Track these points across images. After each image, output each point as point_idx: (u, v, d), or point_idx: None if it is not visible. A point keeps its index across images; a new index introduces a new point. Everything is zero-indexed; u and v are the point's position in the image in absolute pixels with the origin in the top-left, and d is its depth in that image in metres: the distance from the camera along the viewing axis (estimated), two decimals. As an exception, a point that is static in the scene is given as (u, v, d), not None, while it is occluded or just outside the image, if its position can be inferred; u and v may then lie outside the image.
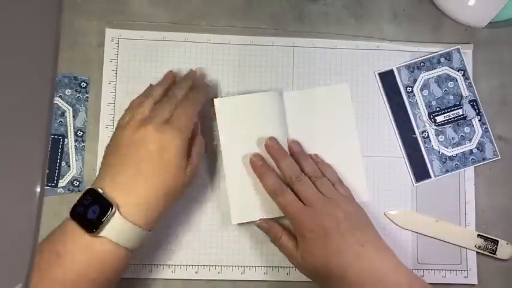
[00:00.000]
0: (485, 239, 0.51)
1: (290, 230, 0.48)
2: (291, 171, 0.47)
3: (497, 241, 0.51)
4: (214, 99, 0.50)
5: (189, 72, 0.51)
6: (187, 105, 0.45)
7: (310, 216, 0.44)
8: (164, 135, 0.42)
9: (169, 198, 0.42)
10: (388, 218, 0.51)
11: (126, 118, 0.44)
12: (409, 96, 0.53)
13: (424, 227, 0.52)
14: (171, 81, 0.49)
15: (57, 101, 0.51)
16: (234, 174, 0.50)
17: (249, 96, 0.51)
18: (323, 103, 0.53)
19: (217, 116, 0.50)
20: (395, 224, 0.51)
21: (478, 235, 0.51)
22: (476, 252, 0.52)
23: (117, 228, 0.39)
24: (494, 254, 0.51)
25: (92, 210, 0.39)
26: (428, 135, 0.53)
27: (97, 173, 0.50)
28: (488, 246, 0.51)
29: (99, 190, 0.40)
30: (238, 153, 0.50)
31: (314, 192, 0.46)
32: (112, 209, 0.39)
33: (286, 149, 0.50)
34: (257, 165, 0.48)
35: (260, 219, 0.49)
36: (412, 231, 0.52)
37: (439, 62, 0.54)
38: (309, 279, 0.49)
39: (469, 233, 0.52)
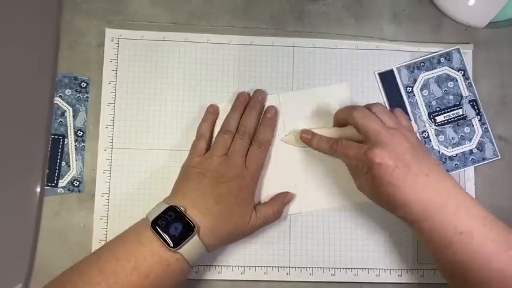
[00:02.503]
0: None
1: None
2: (348, 111, 0.47)
3: None
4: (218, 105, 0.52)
5: (256, 95, 0.52)
6: (261, 150, 0.49)
7: (375, 150, 0.42)
8: (246, 176, 0.46)
9: (238, 230, 0.46)
10: None
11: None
12: (409, 96, 0.53)
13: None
14: (244, 106, 0.51)
15: (57, 101, 0.51)
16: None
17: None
18: (322, 103, 0.53)
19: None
20: None
21: None
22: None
23: (193, 249, 0.42)
24: None
25: (174, 227, 0.42)
26: (428, 135, 0.53)
27: (97, 173, 0.51)
28: None
29: (182, 209, 0.43)
30: None
31: (380, 125, 0.44)
32: (195, 230, 0.42)
33: (286, 154, 0.52)
34: (308, 136, 0.50)
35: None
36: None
37: (439, 62, 0.54)
38: (307, 280, 0.50)
39: None
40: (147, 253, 0.41)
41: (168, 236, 0.42)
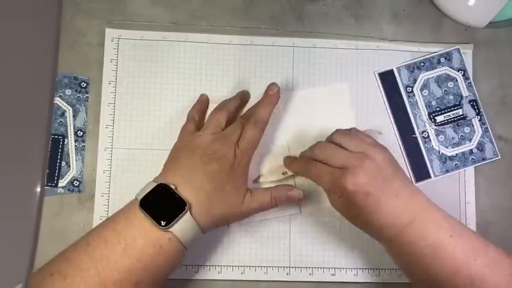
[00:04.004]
0: None
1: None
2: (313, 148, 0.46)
3: None
4: (211, 104, 0.52)
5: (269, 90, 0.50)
6: (257, 128, 0.47)
7: (348, 177, 0.41)
8: (238, 155, 0.45)
9: (231, 211, 0.44)
10: None
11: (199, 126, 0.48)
12: (409, 96, 0.53)
13: None
14: (242, 99, 0.51)
15: (57, 101, 0.51)
16: None
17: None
18: (322, 103, 0.53)
19: None
20: None
21: None
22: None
23: (186, 227, 0.41)
24: None
25: (164, 205, 0.40)
26: (428, 135, 0.53)
27: (97, 173, 0.51)
28: None
29: (172, 186, 0.41)
30: None
31: (345, 152, 0.43)
32: (186, 207, 0.41)
33: (286, 154, 0.52)
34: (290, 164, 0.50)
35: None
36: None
37: (439, 62, 0.54)
38: (307, 280, 0.50)
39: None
40: (138, 234, 0.40)
41: (159, 215, 0.40)
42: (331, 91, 0.53)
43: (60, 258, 0.40)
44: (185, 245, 0.42)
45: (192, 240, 0.42)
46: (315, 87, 0.53)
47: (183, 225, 0.41)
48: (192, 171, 0.43)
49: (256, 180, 0.51)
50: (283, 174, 0.50)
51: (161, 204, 0.41)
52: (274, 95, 0.49)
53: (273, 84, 0.49)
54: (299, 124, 0.52)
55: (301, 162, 0.47)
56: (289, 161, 0.50)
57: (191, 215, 0.41)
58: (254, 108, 0.49)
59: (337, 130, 0.46)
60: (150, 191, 0.41)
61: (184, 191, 0.42)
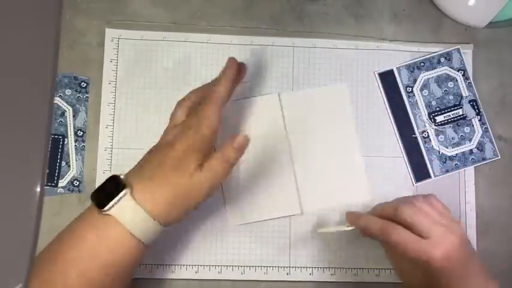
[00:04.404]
0: None
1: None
2: (396, 202, 0.46)
3: None
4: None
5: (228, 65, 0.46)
6: (210, 101, 0.43)
7: (438, 250, 0.41)
8: (188, 135, 0.41)
9: (177, 192, 0.40)
10: None
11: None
12: (409, 96, 0.53)
13: None
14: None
15: (57, 101, 0.51)
16: (230, 178, 0.51)
17: (244, 100, 0.52)
18: (321, 103, 0.53)
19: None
20: None
21: None
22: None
23: (128, 211, 0.38)
24: None
25: (107, 190, 0.39)
26: (428, 135, 0.53)
27: (97, 173, 0.51)
28: None
29: (121, 175, 0.40)
30: None
31: (429, 221, 0.43)
32: (125, 189, 0.38)
33: (287, 154, 0.51)
34: (356, 218, 0.47)
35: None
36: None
37: (439, 62, 0.54)
38: (307, 280, 0.50)
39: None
40: (83, 222, 0.39)
41: (99, 199, 0.39)
42: (330, 91, 0.53)
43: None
44: (135, 234, 0.38)
45: (144, 229, 0.39)
46: (315, 87, 0.53)
47: (123, 208, 0.38)
48: (144, 162, 0.42)
49: (315, 231, 0.51)
50: (348, 226, 0.48)
51: (108, 193, 0.39)
52: (230, 69, 0.45)
53: (230, 59, 0.46)
54: (298, 125, 0.52)
55: (378, 223, 0.44)
56: (354, 217, 0.47)
57: (133, 198, 0.38)
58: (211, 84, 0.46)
59: (417, 195, 0.46)
60: (102, 183, 0.40)
61: (130, 178, 0.40)
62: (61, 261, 0.38)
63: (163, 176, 0.40)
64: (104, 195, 0.39)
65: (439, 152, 0.53)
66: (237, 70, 0.45)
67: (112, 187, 0.39)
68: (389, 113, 0.53)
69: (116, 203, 0.38)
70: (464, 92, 0.53)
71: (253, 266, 0.51)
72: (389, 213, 0.44)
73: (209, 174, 0.41)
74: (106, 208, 0.38)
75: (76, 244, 0.39)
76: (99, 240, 0.38)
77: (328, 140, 0.52)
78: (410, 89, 0.53)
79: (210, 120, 0.41)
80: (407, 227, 0.42)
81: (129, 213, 0.38)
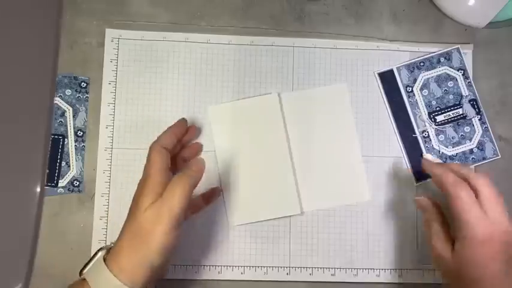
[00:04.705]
0: None
1: (441, 216, 0.45)
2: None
3: None
4: (209, 107, 0.52)
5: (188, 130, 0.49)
6: (153, 151, 0.43)
7: (490, 227, 0.41)
8: (156, 211, 0.39)
9: (140, 242, 0.39)
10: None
11: None
12: (409, 96, 0.53)
13: None
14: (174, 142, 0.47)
15: (57, 101, 0.51)
16: (230, 179, 0.51)
17: (244, 101, 0.52)
18: (321, 103, 0.53)
19: (211, 123, 0.52)
20: None
21: None
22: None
23: (97, 274, 0.39)
24: None
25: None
26: (428, 134, 0.53)
27: (97, 173, 0.51)
28: None
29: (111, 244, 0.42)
30: (234, 158, 0.51)
31: (496, 202, 0.42)
32: (98, 253, 0.40)
33: (286, 154, 0.51)
34: (432, 166, 0.47)
35: (420, 198, 0.47)
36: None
37: (438, 61, 0.54)
38: (307, 280, 0.49)
39: None
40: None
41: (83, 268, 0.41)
42: (328, 91, 0.53)
43: None
44: None
45: (102, 285, 0.38)
46: (315, 87, 0.53)
47: (93, 271, 0.40)
48: (122, 230, 0.42)
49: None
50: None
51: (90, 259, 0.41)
52: (177, 126, 0.48)
53: (180, 120, 0.49)
54: (297, 125, 0.52)
55: (453, 177, 0.44)
56: (430, 165, 0.47)
57: (104, 261, 0.39)
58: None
59: (482, 176, 0.44)
60: (93, 255, 0.42)
61: (113, 245, 0.41)
62: None
63: (124, 233, 0.40)
64: (87, 261, 0.41)
65: (439, 151, 0.53)
66: (183, 128, 0.48)
67: (95, 252, 0.41)
68: (390, 113, 0.53)
69: (90, 267, 0.40)
70: (464, 92, 0.53)
71: (253, 266, 0.51)
72: (465, 173, 0.44)
73: (161, 210, 0.39)
74: (83, 272, 0.40)
75: None
76: None
77: (329, 140, 0.52)
78: (410, 88, 0.53)
79: (156, 166, 0.42)
80: (451, 207, 0.42)
81: (97, 275, 0.39)
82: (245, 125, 0.52)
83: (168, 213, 0.39)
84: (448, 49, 0.54)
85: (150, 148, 0.44)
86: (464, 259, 0.41)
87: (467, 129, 0.53)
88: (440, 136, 0.53)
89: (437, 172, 0.45)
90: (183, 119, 0.49)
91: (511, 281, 0.40)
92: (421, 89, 0.53)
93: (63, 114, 0.51)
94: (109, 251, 0.40)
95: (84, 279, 0.39)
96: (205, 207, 0.50)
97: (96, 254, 0.41)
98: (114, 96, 0.52)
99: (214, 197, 0.51)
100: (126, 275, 0.38)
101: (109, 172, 0.51)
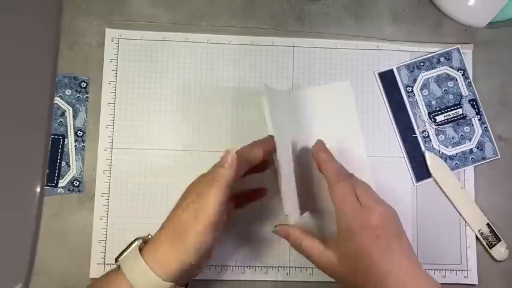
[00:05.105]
0: (491, 231, 0.51)
1: (309, 233, 0.45)
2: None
3: (500, 240, 0.51)
4: (262, 85, 0.48)
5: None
6: (213, 185, 0.41)
7: (364, 215, 0.41)
8: (193, 211, 0.40)
9: (178, 241, 0.40)
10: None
11: None
12: (409, 96, 0.53)
13: (449, 187, 0.52)
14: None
15: (57, 101, 0.51)
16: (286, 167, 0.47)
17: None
18: (325, 102, 0.52)
19: (264, 99, 0.49)
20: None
21: (488, 224, 0.52)
22: (476, 237, 0.52)
23: (132, 263, 0.40)
24: (490, 248, 0.51)
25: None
26: (428, 134, 0.53)
27: (97, 173, 0.51)
28: (489, 239, 0.51)
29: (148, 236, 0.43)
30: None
31: (371, 193, 0.43)
32: (134, 242, 0.41)
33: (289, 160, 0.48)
34: (320, 150, 0.46)
35: (279, 225, 0.46)
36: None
37: (438, 61, 0.54)
38: (307, 280, 0.49)
39: (481, 217, 0.52)
40: (103, 276, 0.42)
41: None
42: (332, 89, 0.53)
43: None
44: (130, 281, 0.39)
45: (138, 278, 0.39)
46: (316, 86, 0.53)
47: (129, 260, 0.40)
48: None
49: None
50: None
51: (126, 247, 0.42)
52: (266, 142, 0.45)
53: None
54: (300, 124, 0.52)
55: (340, 167, 0.45)
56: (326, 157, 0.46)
57: (139, 251, 0.40)
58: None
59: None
60: (129, 244, 0.42)
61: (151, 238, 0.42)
62: None
63: (165, 227, 0.41)
64: (123, 249, 0.42)
65: (439, 151, 0.53)
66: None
67: (131, 241, 0.42)
68: (390, 113, 0.53)
69: (126, 255, 0.41)
70: (464, 92, 0.54)
71: (253, 266, 0.51)
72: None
73: (200, 212, 0.40)
74: (119, 259, 0.41)
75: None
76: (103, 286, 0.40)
77: (333, 139, 0.50)
78: (410, 88, 0.53)
79: (214, 205, 0.40)
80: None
81: (131, 263, 0.40)
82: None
83: (203, 213, 0.39)
84: (448, 49, 0.54)
85: (230, 154, 0.41)
86: (351, 253, 0.40)
87: (467, 129, 0.53)
88: (440, 136, 0.53)
89: (322, 157, 0.45)
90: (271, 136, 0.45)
91: (396, 257, 0.39)
92: (421, 89, 0.53)
93: (63, 114, 0.51)
94: (145, 242, 0.41)
95: (119, 266, 0.40)
96: (251, 203, 0.49)
97: (132, 243, 0.41)
98: (114, 96, 0.52)
99: (258, 196, 0.49)
100: (161, 267, 0.39)
101: (109, 172, 0.51)
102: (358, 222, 0.41)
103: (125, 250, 0.41)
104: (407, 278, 0.39)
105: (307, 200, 0.50)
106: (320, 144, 0.47)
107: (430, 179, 0.53)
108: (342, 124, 0.52)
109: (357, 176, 0.48)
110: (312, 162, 0.49)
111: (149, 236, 0.42)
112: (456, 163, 0.53)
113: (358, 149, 0.52)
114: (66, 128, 0.51)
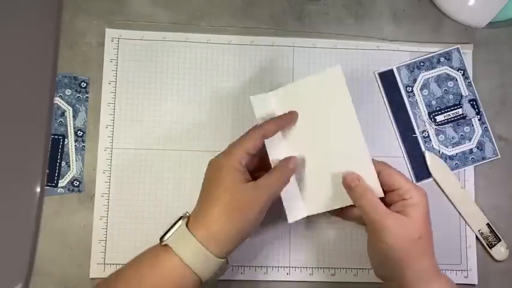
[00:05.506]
0: (491, 231, 0.51)
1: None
2: None
3: (500, 240, 0.51)
4: (250, 97, 0.46)
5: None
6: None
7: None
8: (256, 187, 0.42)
9: (230, 213, 0.41)
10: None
11: None
12: (409, 96, 0.53)
13: (449, 187, 0.52)
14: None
15: (57, 101, 0.51)
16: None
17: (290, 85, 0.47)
18: (316, 92, 0.46)
19: (254, 112, 0.46)
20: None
21: (488, 224, 0.52)
22: (476, 237, 0.52)
23: (179, 238, 0.40)
24: (490, 248, 0.51)
25: (171, 225, 0.42)
26: (428, 134, 0.53)
27: (97, 173, 0.51)
28: (489, 239, 0.51)
29: (187, 212, 0.43)
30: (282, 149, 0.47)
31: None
32: (181, 220, 0.41)
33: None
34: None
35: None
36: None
37: (438, 61, 0.54)
38: (307, 280, 0.50)
39: (481, 217, 0.52)
40: (145, 251, 0.42)
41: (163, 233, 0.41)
42: (322, 78, 0.45)
43: None
44: (187, 262, 0.39)
45: (196, 258, 0.40)
46: (306, 77, 0.46)
47: (176, 236, 0.40)
48: (200, 196, 0.43)
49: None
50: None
51: (170, 226, 0.42)
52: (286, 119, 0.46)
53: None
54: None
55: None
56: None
57: (186, 227, 0.40)
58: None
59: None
60: (174, 222, 0.42)
61: (191, 212, 0.42)
62: (119, 279, 0.41)
63: (213, 199, 0.41)
64: (167, 229, 0.41)
65: (439, 151, 0.53)
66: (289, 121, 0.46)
67: (175, 221, 0.42)
68: (390, 113, 0.53)
69: (172, 234, 0.41)
70: (464, 92, 0.54)
71: (253, 266, 0.51)
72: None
73: (262, 187, 0.42)
74: (165, 238, 0.40)
75: (133, 265, 0.41)
76: (151, 265, 0.40)
77: (328, 138, 0.46)
78: (410, 88, 0.53)
79: (242, 147, 0.43)
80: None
81: (182, 241, 0.40)
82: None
83: (266, 190, 0.42)
84: (448, 49, 0.54)
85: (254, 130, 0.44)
86: (422, 217, 0.42)
87: (467, 129, 0.53)
88: (440, 136, 0.53)
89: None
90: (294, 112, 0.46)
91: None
92: (421, 89, 0.53)
93: (63, 114, 0.51)
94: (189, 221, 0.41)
95: (166, 245, 0.40)
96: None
97: (176, 222, 0.41)
98: (114, 96, 0.52)
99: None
100: (217, 245, 0.40)
101: (109, 172, 0.51)
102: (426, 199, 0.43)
103: (168, 230, 0.41)
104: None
105: (318, 200, 0.47)
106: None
107: (430, 179, 0.53)
108: (336, 117, 0.45)
109: (361, 174, 0.44)
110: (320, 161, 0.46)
111: (187, 214, 0.42)
112: (456, 163, 0.53)
113: (358, 143, 0.45)
114: (66, 128, 0.51)
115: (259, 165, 0.46)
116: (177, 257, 0.39)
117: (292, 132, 0.47)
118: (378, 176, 0.44)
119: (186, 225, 0.41)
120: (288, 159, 0.45)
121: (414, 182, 0.52)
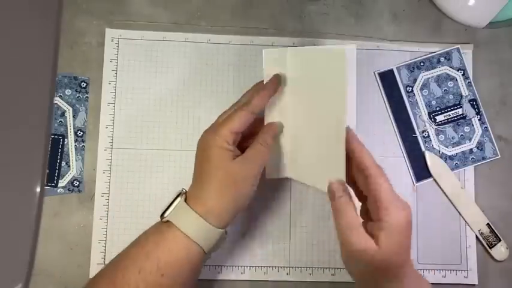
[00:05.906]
0: (491, 231, 0.51)
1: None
2: None
3: (500, 240, 0.51)
4: (263, 50, 0.45)
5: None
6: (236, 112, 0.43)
7: (403, 208, 0.39)
8: (247, 161, 0.43)
9: (223, 185, 0.42)
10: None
11: None
12: (409, 96, 0.53)
13: (449, 187, 0.52)
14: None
15: (57, 101, 0.51)
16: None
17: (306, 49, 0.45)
18: (317, 66, 0.43)
19: (264, 67, 0.45)
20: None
21: (488, 224, 0.52)
22: (476, 237, 0.52)
23: (179, 213, 0.41)
24: (490, 248, 0.51)
25: (170, 202, 0.42)
26: (428, 134, 0.53)
27: (97, 173, 0.51)
28: (489, 239, 0.51)
29: (183, 189, 0.43)
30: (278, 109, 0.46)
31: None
32: (179, 196, 0.42)
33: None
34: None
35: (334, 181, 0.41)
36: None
37: (438, 61, 0.54)
38: (307, 280, 0.50)
39: (481, 217, 0.52)
40: (147, 230, 0.43)
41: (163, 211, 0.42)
42: (328, 54, 0.42)
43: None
44: (189, 235, 0.40)
45: (198, 231, 0.41)
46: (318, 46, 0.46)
47: (176, 211, 0.41)
48: (194, 171, 0.44)
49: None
50: None
51: (169, 204, 0.42)
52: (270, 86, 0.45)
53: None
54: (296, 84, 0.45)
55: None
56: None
57: (185, 202, 0.41)
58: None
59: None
60: (173, 199, 0.43)
61: (188, 189, 0.43)
62: (124, 258, 0.41)
63: (208, 175, 0.42)
64: (166, 207, 0.42)
65: (439, 151, 0.53)
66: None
67: (173, 198, 0.42)
68: (390, 113, 0.53)
69: (172, 210, 0.41)
70: (464, 92, 0.54)
71: (253, 266, 0.51)
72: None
73: (250, 160, 0.43)
74: (165, 215, 0.41)
75: (137, 245, 0.42)
76: (157, 242, 0.41)
77: (318, 110, 0.43)
78: (410, 88, 0.53)
79: (233, 124, 0.43)
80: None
81: (182, 216, 0.41)
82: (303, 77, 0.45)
83: (254, 162, 0.43)
84: (448, 49, 0.54)
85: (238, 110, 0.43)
86: (393, 247, 0.38)
87: (467, 129, 0.53)
88: (440, 136, 0.53)
89: (358, 148, 0.41)
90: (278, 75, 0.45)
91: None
92: (421, 89, 0.53)
93: (63, 114, 0.51)
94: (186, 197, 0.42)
95: (168, 222, 0.41)
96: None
97: (175, 199, 0.42)
98: (114, 96, 0.52)
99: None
100: (215, 217, 0.41)
101: (109, 172, 0.51)
102: (406, 217, 0.38)
103: (168, 207, 0.42)
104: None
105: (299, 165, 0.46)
106: (352, 134, 0.42)
107: (430, 179, 0.53)
108: (329, 96, 0.42)
109: (332, 151, 0.42)
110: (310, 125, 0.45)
111: (184, 190, 0.43)
112: (456, 163, 0.53)
113: (339, 123, 0.41)
114: (66, 128, 0.51)
115: (248, 132, 0.45)
116: (180, 231, 0.40)
117: (287, 98, 0.45)
118: (366, 180, 0.40)
119: (185, 201, 0.42)
120: (268, 126, 0.45)
121: (414, 182, 0.52)
